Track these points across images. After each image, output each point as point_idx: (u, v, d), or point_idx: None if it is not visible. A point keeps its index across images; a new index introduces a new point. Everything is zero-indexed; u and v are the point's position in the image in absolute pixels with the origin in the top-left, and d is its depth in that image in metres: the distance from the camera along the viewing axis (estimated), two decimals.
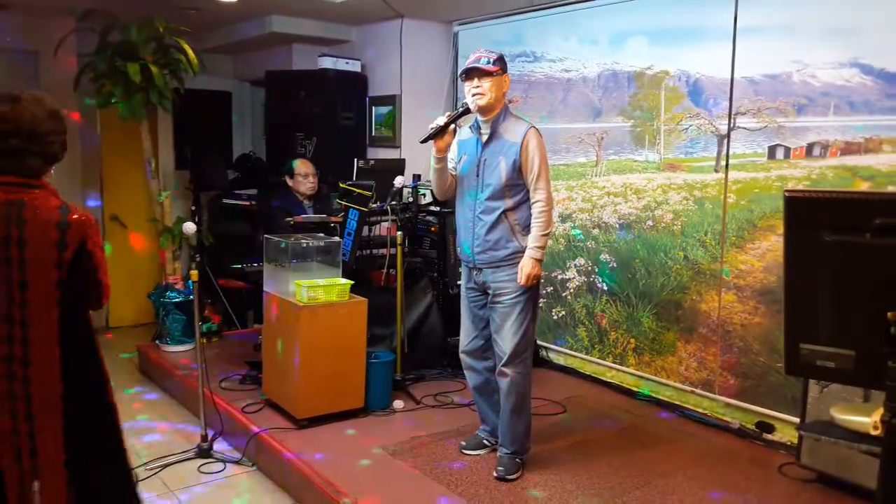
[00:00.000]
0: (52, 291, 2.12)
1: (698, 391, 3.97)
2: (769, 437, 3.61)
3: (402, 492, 3.03)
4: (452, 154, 3.29)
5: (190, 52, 4.98)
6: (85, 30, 4.94)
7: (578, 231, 4.65)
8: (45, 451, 2.15)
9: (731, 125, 3.77)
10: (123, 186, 6.24)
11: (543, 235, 3.09)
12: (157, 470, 3.47)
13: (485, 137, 3.16)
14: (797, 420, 3.29)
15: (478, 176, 3.16)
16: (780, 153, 3.59)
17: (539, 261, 3.09)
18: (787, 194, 1.32)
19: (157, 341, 5.11)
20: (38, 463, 2.15)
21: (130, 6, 4.81)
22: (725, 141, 3.81)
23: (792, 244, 1.33)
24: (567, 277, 4.74)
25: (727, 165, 3.81)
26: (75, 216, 2.14)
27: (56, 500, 2.17)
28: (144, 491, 3.26)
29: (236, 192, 6.27)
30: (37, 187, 2.16)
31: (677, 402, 4.06)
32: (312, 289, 3.60)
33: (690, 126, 3.99)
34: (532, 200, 3.11)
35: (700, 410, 3.94)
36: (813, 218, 1.30)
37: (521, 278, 3.07)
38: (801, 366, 1.37)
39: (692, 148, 4.00)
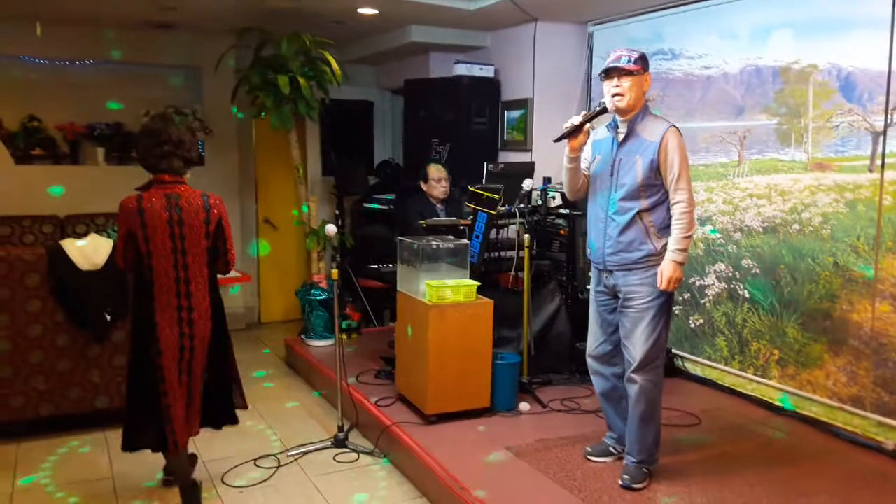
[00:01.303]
0: (203, 255, 2.98)
1: (847, 407, 3.68)
2: None
3: (525, 492, 3.05)
4: (587, 154, 3.26)
5: (334, 63, 5.28)
6: (242, 46, 5.38)
7: (714, 229, 4.46)
8: (195, 368, 3.03)
9: (889, 121, 3.47)
10: (275, 192, 6.70)
11: (686, 238, 2.98)
12: (298, 457, 3.71)
13: (621, 136, 3.10)
14: None
15: (612, 175, 3.11)
16: None
17: (681, 264, 2.99)
18: None
19: (302, 336, 5.44)
20: (192, 378, 3.04)
21: (281, 22, 5.18)
22: (882, 138, 3.51)
23: None
24: (706, 284, 4.55)
25: (883, 164, 3.51)
26: (213, 200, 3.00)
27: (195, 398, 3.08)
28: (286, 476, 3.51)
29: (376, 196, 6.54)
30: (182, 183, 2.98)
31: (824, 419, 3.79)
32: (441, 289, 3.70)
33: (842, 123, 3.71)
34: (673, 201, 3.01)
35: (849, 429, 3.66)
36: None
37: (662, 282, 2.98)
38: None
39: (843, 146, 3.72)
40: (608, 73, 3.06)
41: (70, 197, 5.79)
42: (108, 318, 3.85)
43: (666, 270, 2.98)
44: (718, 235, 4.44)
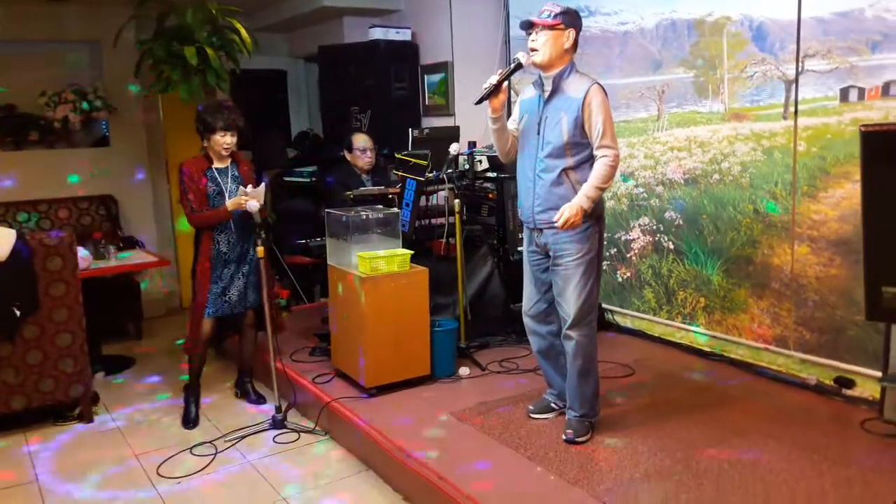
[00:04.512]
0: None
1: (772, 348, 3.85)
2: (849, 392, 3.47)
3: (471, 454, 3.05)
4: (515, 115, 3.23)
5: (243, 31, 5.05)
6: (142, 17, 5.07)
7: (624, 176, 4.54)
8: None
9: (800, 69, 3.58)
10: None
11: (599, 188, 2.95)
12: (235, 441, 3.59)
13: (547, 94, 3.07)
14: (879, 374, 3.15)
15: (539, 133, 3.08)
16: (853, 95, 3.39)
17: (585, 211, 2.94)
18: (863, 129, 1.24)
19: None
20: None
21: None
22: (793, 86, 3.62)
23: (870, 183, 1.25)
24: (631, 238, 4.64)
25: (796, 112, 3.63)
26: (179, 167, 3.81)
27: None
28: (224, 462, 3.40)
29: (297, 169, 6.36)
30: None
31: (750, 360, 3.95)
32: (374, 260, 3.63)
33: (756, 73, 3.81)
34: (598, 155, 2.99)
35: (774, 368, 3.83)
36: (893, 154, 1.21)
37: (560, 220, 2.92)
38: (884, 311, 1.30)
39: (758, 95, 3.83)
40: (527, 27, 3.03)
41: None
42: (17, 313, 3.60)
43: (567, 210, 2.92)
44: (634, 184, 4.50)
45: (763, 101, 3.80)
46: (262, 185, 3.79)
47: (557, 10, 2.99)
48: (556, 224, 2.95)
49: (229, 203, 3.73)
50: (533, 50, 3.01)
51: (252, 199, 3.66)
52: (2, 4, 5.41)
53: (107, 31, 5.17)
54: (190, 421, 3.85)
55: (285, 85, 7.17)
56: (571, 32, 3.03)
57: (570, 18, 3.02)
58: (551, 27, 2.98)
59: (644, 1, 4.39)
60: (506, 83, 3.09)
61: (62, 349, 3.77)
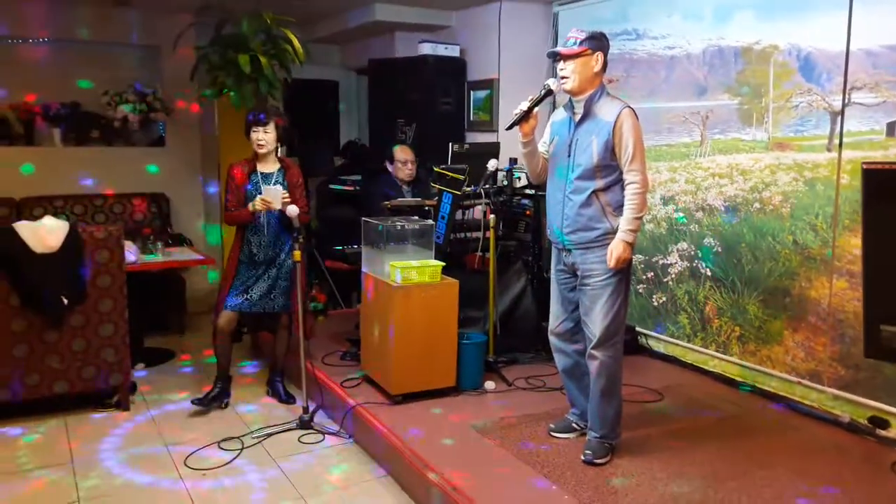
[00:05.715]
0: None
1: (805, 382, 3.77)
2: (883, 433, 3.38)
3: (489, 470, 3.06)
4: (546, 137, 3.27)
5: (296, 42, 5.19)
6: (201, 24, 5.26)
7: (682, 216, 4.49)
8: None
9: (846, 101, 3.53)
10: None
11: (636, 218, 3.00)
12: (262, 439, 3.68)
13: (578, 117, 3.11)
14: None
15: (569, 156, 3.11)
16: None
17: (630, 244, 3.01)
18: (865, 166, 1.24)
19: None
20: None
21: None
22: (839, 118, 3.57)
23: (870, 220, 1.25)
24: (668, 262, 4.60)
25: (841, 144, 3.57)
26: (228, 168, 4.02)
27: None
28: (250, 457, 3.48)
29: (342, 177, 6.48)
30: None
31: (783, 394, 3.87)
32: (406, 270, 3.69)
33: (801, 103, 3.76)
34: (626, 182, 3.02)
35: (807, 403, 3.74)
36: (893, 192, 1.21)
37: (611, 261, 3.01)
38: (882, 349, 1.29)
39: (803, 126, 3.78)
40: (554, 57, 3.07)
41: (26, 179, 5.64)
42: (66, 302, 3.77)
43: (615, 250, 3.00)
44: (685, 223, 4.47)
45: (807, 131, 3.75)
46: (278, 186, 3.91)
47: (582, 36, 3.02)
48: (610, 267, 3.02)
49: (250, 205, 3.87)
50: (563, 78, 3.05)
51: (271, 201, 3.78)
52: (67, 6, 5.68)
53: (166, 37, 5.38)
54: (205, 403, 4.02)
55: (337, 95, 7.32)
56: (599, 56, 3.05)
57: (597, 42, 3.04)
58: (578, 55, 3.01)
59: (692, 26, 4.38)
60: (536, 109, 3.13)
61: (105, 339, 3.93)
